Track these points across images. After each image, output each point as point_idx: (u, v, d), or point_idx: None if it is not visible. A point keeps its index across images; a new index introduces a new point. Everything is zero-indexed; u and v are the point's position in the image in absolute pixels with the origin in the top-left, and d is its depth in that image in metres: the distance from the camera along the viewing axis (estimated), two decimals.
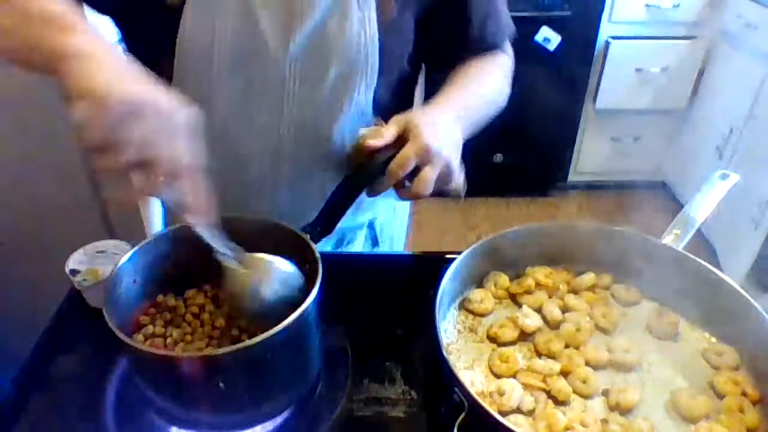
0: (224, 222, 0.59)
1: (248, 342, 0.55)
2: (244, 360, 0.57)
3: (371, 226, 1.05)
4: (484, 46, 0.92)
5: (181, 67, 0.77)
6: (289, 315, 0.57)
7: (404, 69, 0.87)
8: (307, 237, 0.69)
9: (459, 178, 0.83)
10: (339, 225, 0.78)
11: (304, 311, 0.59)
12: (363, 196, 0.89)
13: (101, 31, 0.60)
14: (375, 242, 1.07)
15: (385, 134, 0.74)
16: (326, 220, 0.75)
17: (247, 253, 0.64)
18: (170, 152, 0.53)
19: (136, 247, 0.67)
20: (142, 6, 0.76)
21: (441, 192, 0.83)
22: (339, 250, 1.02)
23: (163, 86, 0.55)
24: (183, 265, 0.71)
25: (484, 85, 0.90)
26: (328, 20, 0.76)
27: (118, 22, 0.82)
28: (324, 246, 0.91)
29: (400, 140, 0.73)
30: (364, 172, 0.75)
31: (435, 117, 0.77)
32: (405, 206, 1.15)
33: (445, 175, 0.75)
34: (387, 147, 0.73)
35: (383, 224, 1.08)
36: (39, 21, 0.58)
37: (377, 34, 0.79)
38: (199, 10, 0.74)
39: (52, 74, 0.56)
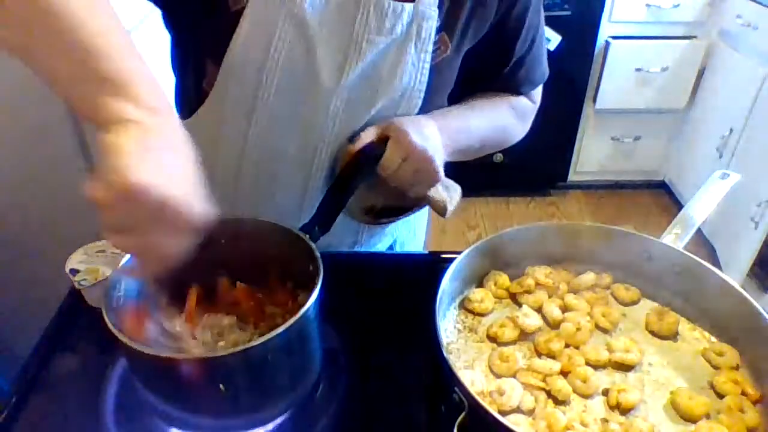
0: (225, 224, 0.59)
1: (249, 344, 0.55)
2: (245, 361, 0.57)
3: (392, 248, 1.06)
4: (509, 90, 0.93)
5: (226, 76, 0.76)
6: None
7: (443, 103, 0.88)
8: (307, 237, 0.69)
9: (443, 190, 0.85)
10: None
11: (305, 312, 0.58)
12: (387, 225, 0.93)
13: (159, 85, 0.52)
14: None
15: (362, 136, 0.77)
16: (323, 219, 0.75)
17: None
18: (167, 249, 0.52)
19: None
20: (202, 5, 0.75)
21: (425, 199, 0.84)
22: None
23: (197, 180, 0.51)
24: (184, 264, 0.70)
25: (484, 118, 0.90)
26: (382, 61, 0.77)
27: (174, 18, 0.81)
28: None
29: (385, 139, 0.76)
30: (352, 169, 0.77)
31: (416, 119, 0.79)
32: (423, 226, 1.15)
33: (425, 172, 0.76)
34: (372, 146, 0.76)
35: (403, 245, 1.08)
36: (89, 69, 0.49)
37: (427, 77, 0.79)
38: (256, 27, 0.73)
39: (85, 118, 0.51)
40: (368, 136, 0.77)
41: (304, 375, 0.68)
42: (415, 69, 0.78)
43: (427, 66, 0.79)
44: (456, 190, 0.88)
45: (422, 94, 0.81)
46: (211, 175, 0.91)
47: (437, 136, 0.79)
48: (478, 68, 0.88)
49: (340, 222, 0.89)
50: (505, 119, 0.93)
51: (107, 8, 0.52)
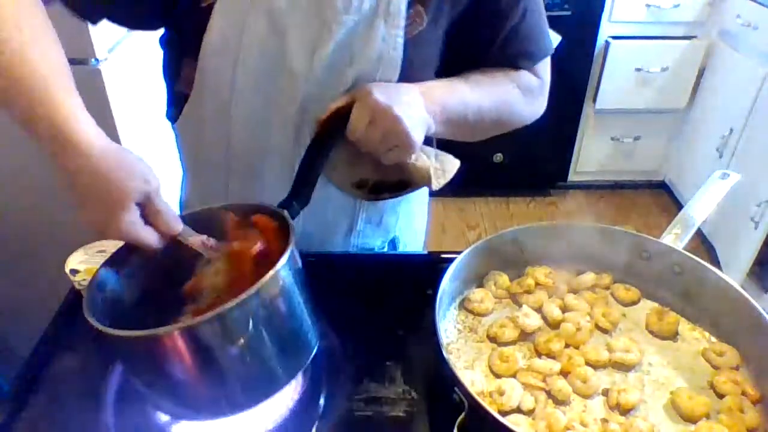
0: (208, 213, 0.59)
1: (223, 307, 0.54)
2: (226, 328, 0.55)
3: (394, 245, 1.05)
4: (505, 64, 0.88)
5: (203, 70, 0.77)
6: None
7: (430, 77, 0.85)
8: (285, 212, 0.67)
9: (430, 160, 0.80)
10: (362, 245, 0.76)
11: (275, 274, 0.57)
12: (384, 214, 0.93)
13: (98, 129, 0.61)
14: None
15: (331, 105, 0.76)
16: (300, 190, 0.73)
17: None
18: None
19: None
20: (174, 4, 0.75)
21: (405, 168, 0.80)
22: None
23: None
24: (172, 258, 0.67)
25: (480, 88, 0.85)
26: (352, 40, 0.76)
27: (147, 19, 0.82)
28: None
29: (352, 103, 0.74)
30: (321, 136, 0.76)
31: (391, 84, 0.77)
32: (423, 223, 1.13)
33: (394, 134, 0.73)
34: (338, 110, 0.75)
35: (405, 244, 1.07)
36: (42, 123, 0.60)
37: (400, 52, 0.78)
38: (227, 19, 0.73)
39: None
40: (336, 103, 0.76)
41: (297, 343, 0.64)
42: (387, 45, 0.77)
43: (400, 41, 0.77)
44: (451, 161, 0.83)
45: (397, 70, 0.78)
46: (202, 173, 0.91)
47: (416, 100, 0.76)
48: (468, 42, 0.85)
49: (334, 206, 0.89)
50: (505, 92, 0.88)
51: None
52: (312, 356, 0.65)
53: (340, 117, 0.75)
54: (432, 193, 0.88)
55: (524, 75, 0.90)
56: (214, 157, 0.85)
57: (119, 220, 0.59)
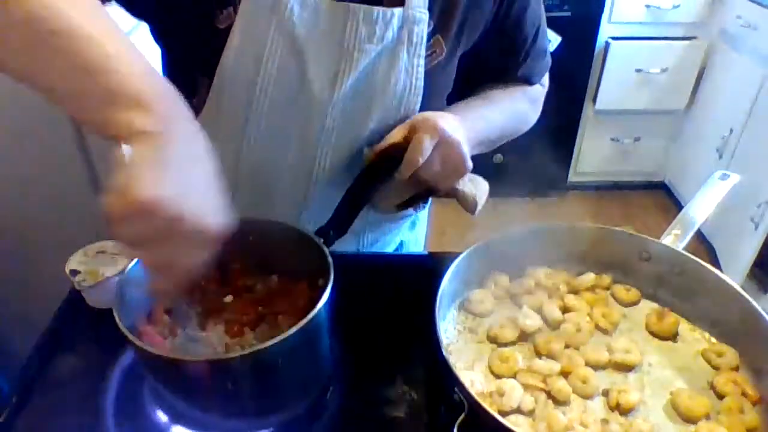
0: (240, 224, 0.58)
1: (259, 346, 0.55)
2: (253, 364, 0.56)
3: (397, 250, 1.06)
4: (521, 83, 0.92)
5: (219, 90, 0.75)
6: None
7: (443, 104, 0.87)
8: (321, 241, 0.68)
9: (470, 185, 0.82)
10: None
11: (315, 316, 0.58)
12: (386, 231, 0.93)
13: (172, 90, 0.50)
14: None
15: (387, 137, 0.75)
16: (339, 222, 0.74)
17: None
18: (185, 262, 0.50)
19: None
20: (190, 23, 0.73)
21: (455, 193, 0.82)
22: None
23: (215, 190, 0.50)
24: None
25: (501, 109, 0.89)
26: (375, 69, 0.76)
27: (161, 34, 0.80)
28: None
29: (406, 139, 0.74)
30: (374, 170, 0.75)
31: (438, 113, 0.77)
32: (424, 227, 1.14)
33: (454, 159, 0.74)
34: (393, 147, 0.74)
35: (407, 247, 1.08)
36: (94, 84, 0.47)
37: (422, 81, 0.78)
38: (246, 41, 0.71)
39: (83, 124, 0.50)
40: (393, 137, 0.75)
41: (313, 379, 0.67)
42: (409, 75, 0.77)
43: (422, 70, 0.78)
44: (482, 186, 0.85)
45: (419, 99, 0.79)
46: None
47: (460, 127, 0.77)
48: (484, 66, 0.87)
49: None
50: (519, 107, 0.92)
51: (105, 17, 0.51)
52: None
53: (393, 152, 0.74)
54: (443, 195, 0.90)
55: (535, 88, 0.95)
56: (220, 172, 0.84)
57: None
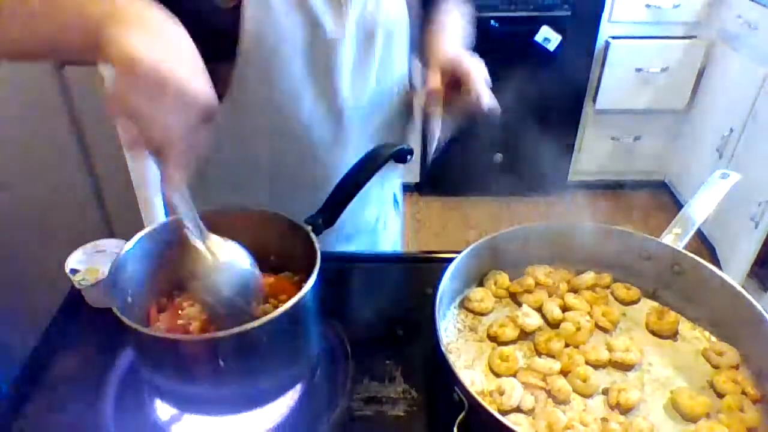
0: (224, 214, 0.58)
1: (247, 326, 0.56)
2: (241, 342, 0.58)
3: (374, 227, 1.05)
4: None
5: (246, 64, 0.76)
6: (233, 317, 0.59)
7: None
8: (309, 228, 0.68)
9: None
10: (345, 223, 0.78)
11: (300, 299, 0.59)
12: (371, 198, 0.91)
13: None
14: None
15: (430, 81, 0.79)
16: (329, 213, 0.73)
17: (213, 236, 0.62)
18: (176, 127, 0.51)
19: (140, 234, 0.67)
20: (192, 9, 0.74)
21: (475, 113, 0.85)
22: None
23: (197, 66, 0.53)
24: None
25: (468, 21, 0.96)
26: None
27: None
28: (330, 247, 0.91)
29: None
30: (371, 161, 0.75)
31: (446, 40, 0.86)
32: (400, 196, 1.16)
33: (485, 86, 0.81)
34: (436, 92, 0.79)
35: (386, 224, 1.08)
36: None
37: None
38: (259, 10, 0.73)
39: (89, 56, 0.53)
40: (434, 81, 0.79)
41: (301, 356, 0.68)
42: None
43: None
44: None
45: (407, 15, 0.85)
46: (240, 173, 0.90)
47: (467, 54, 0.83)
48: None
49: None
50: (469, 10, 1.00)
51: None
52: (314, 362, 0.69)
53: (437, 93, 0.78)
54: (432, 194, 0.91)
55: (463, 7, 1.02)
56: (255, 149, 0.86)
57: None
